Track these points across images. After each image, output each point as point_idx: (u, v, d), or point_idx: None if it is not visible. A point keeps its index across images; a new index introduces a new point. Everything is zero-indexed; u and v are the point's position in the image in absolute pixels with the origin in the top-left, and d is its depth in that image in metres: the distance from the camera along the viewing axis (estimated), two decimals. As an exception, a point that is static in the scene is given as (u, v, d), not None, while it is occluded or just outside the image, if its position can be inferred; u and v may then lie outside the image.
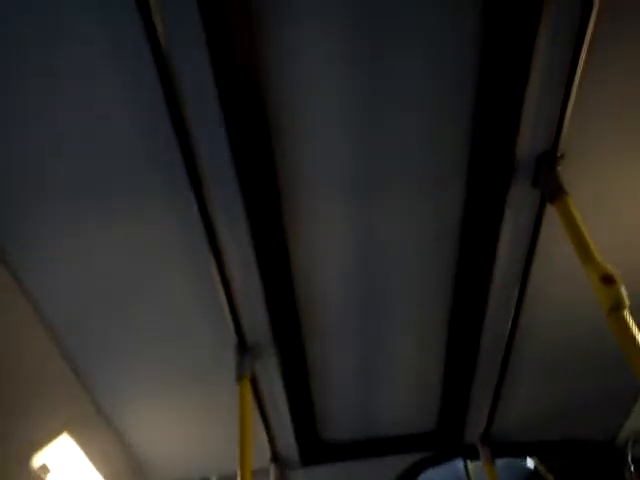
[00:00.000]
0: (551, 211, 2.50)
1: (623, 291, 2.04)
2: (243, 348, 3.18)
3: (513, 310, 3.11)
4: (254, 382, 3.32)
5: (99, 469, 3.69)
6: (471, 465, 5.24)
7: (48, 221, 2.56)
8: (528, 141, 2.44)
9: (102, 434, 3.62)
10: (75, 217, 2.57)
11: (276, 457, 4.08)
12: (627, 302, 2.03)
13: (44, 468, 3.34)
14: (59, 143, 2.32)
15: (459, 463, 5.32)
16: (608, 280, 2.08)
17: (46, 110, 2.21)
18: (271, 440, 3.89)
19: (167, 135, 2.24)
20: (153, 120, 2.24)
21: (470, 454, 4.43)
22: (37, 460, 3.29)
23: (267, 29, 2.10)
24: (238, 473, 2.78)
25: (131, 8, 1.90)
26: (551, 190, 2.44)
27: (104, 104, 2.22)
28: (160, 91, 2.10)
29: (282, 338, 3.22)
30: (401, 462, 4.34)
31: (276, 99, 2.29)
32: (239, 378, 3.10)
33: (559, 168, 2.45)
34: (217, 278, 2.76)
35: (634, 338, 1.96)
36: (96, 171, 2.43)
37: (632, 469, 1.68)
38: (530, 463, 5.43)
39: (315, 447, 4.11)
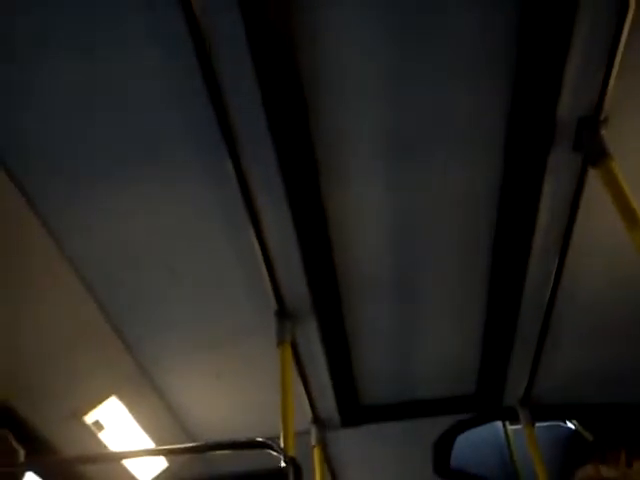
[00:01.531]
0: (593, 175, 2.45)
1: None
2: (283, 313, 3.24)
3: (554, 273, 3.07)
4: (294, 346, 3.38)
5: (146, 429, 3.84)
6: (510, 428, 5.29)
7: (95, 187, 2.60)
8: (570, 103, 2.37)
9: (148, 396, 3.74)
10: (122, 184, 2.62)
11: (317, 419, 4.17)
12: None
13: (98, 425, 3.51)
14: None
15: (498, 426, 5.37)
16: None
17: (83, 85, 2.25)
18: (312, 403, 3.97)
19: (204, 103, 2.25)
20: (190, 93, 2.26)
21: (509, 417, 4.46)
22: (90, 417, 3.45)
23: None
24: (281, 434, 2.86)
25: None
26: (594, 153, 2.38)
27: (142, 80, 2.25)
28: (195, 58, 2.10)
29: (321, 303, 3.26)
30: (440, 424, 4.40)
31: (310, 60, 2.25)
32: (279, 343, 3.16)
33: (602, 131, 2.38)
34: (256, 245, 2.79)
35: None
36: (140, 140, 2.47)
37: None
38: (571, 425, 5.45)
39: (355, 409, 4.18)
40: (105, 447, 3.63)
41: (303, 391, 3.79)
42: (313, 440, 4.15)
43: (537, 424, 4.16)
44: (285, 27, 2.11)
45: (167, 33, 2.10)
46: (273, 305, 3.19)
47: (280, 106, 2.33)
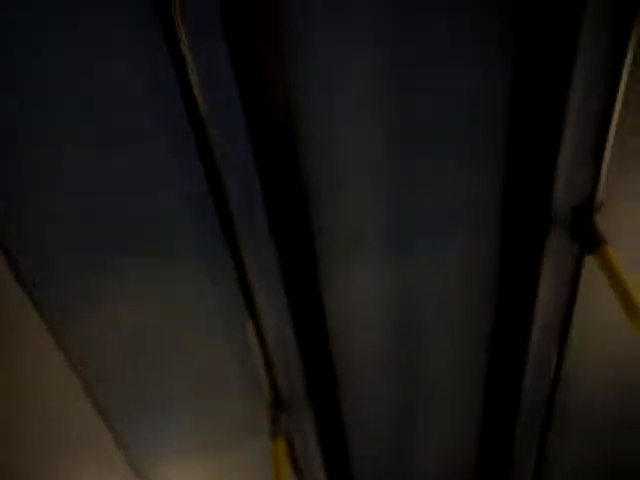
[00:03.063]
0: (590, 261, 2.47)
1: None
2: (278, 406, 3.15)
3: (554, 365, 3.03)
4: (289, 440, 3.26)
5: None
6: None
7: (94, 282, 2.60)
8: (564, 192, 2.43)
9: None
10: (115, 279, 2.62)
11: None
12: None
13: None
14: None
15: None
16: None
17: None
18: None
19: (201, 190, 2.29)
20: (192, 182, 2.30)
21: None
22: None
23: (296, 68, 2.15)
24: None
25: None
26: (590, 240, 2.42)
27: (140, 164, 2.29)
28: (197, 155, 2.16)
29: (317, 397, 3.18)
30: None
31: (309, 153, 2.33)
32: (273, 436, 3.05)
33: (598, 218, 2.43)
34: (254, 337, 2.76)
35: None
36: (140, 230, 2.49)
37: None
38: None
39: (352, 508, 3.99)
40: None
41: None
42: (307, 543, 3.93)
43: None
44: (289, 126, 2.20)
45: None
46: (268, 398, 3.11)
47: (280, 200, 2.38)
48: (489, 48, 2.13)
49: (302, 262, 2.60)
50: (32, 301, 2.58)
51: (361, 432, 3.49)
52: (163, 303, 2.72)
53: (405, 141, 2.35)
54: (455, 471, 3.91)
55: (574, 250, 2.57)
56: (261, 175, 2.29)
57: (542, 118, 2.22)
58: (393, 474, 3.92)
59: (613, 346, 2.96)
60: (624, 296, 2.20)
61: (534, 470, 3.68)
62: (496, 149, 2.36)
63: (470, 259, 2.72)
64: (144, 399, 3.08)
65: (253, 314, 2.70)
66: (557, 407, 3.25)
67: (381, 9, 2.06)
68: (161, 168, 2.27)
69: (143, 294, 2.67)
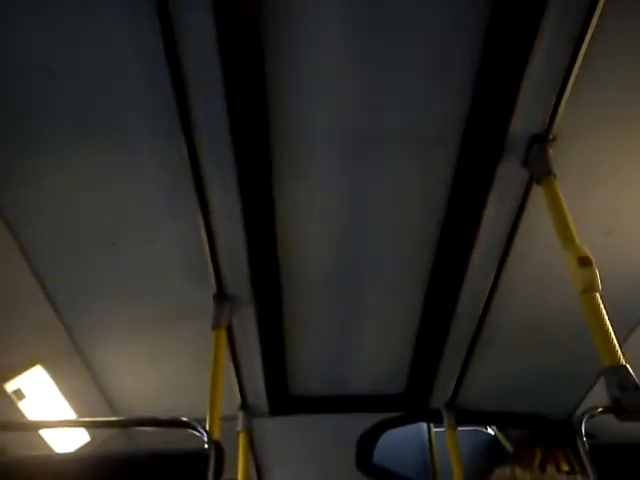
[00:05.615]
0: (537, 192, 2.53)
1: (597, 274, 2.11)
2: (222, 297, 3.23)
3: (490, 284, 3.16)
4: (230, 331, 3.37)
5: (70, 402, 3.74)
6: (434, 430, 5.42)
7: (33, 157, 2.54)
8: (523, 120, 2.44)
9: (75, 368, 3.65)
10: (60, 154, 2.56)
11: (245, 405, 4.19)
12: (600, 285, 2.10)
13: (19, 393, 3.38)
14: (49, 78, 2.29)
15: (423, 427, 5.49)
16: (584, 262, 2.14)
17: (41, 46, 2.17)
18: (241, 389, 3.98)
19: (162, 76, 2.21)
20: (152, 61, 2.21)
21: (434, 419, 4.56)
22: (11, 385, 3.33)
23: None
24: (207, 418, 2.85)
25: None
26: (539, 171, 2.47)
27: (100, 46, 2.19)
28: (160, 33, 2.07)
29: (261, 291, 3.26)
30: (366, 420, 4.47)
31: (275, 52, 2.24)
32: (215, 326, 3.15)
33: (550, 150, 2.46)
34: (202, 227, 2.78)
35: (603, 319, 2.04)
36: (86, 107, 2.40)
37: (585, 444, 1.80)
38: (491, 431, 5.62)
39: (284, 399, 4.20)
40: (24, 417, 3.52)
41: (234, 376, 3.78)
42: (239, 426, 4.15)
43: (460, 428, 4.26)
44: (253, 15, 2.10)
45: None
46: (212, 288, 3.17)
47: (240, 94, 2.31)
48: None
49: (256, 157, 2.57)
50: None
51: (300, 329, 3.62)
52: (110, 186, 2.70)
53: (370, 61, 2.31)
54: (387, 379, 4.13)
55: (524, 177, 2.61)
56: (225, 72, 2.22)
57: (510, 47, 2.19)
58: (327, 375, 4.12)
59: (547, 273, 3.09)
60: (563, 227, 2.29)
61: (457, 380, 3.91)
62: (464, 71, 2.32)
63: (423, 176, 2.75)
64: (86, 273, 3.11)
65: (202, 201, 2.70)
66: (488, 321, 3.44)
67: None
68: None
69: (89, 174, 2.64)
